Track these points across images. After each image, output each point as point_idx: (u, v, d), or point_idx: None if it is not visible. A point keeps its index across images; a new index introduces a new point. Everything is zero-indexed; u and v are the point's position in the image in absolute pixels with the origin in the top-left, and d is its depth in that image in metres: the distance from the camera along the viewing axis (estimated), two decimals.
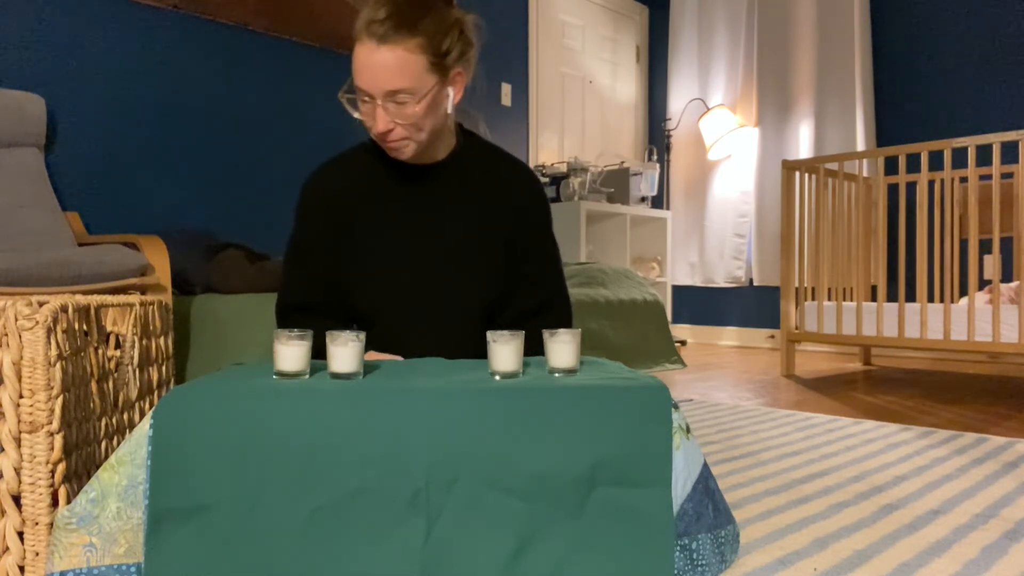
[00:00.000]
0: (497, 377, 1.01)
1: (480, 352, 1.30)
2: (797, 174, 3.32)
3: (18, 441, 0.86)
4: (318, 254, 1.35)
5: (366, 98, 1.20)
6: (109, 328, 1.06)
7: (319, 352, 1.14)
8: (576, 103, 4.87)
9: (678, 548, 0.93)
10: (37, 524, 0.86)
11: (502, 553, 0.88)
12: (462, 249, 1.34)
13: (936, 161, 3.88)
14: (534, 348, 1.28)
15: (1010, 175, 3.62)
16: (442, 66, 1.21)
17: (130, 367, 1.12)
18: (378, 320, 1.34)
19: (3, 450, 0.85)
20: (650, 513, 0.92)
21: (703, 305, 5.00)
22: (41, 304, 0.87)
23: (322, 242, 1.34)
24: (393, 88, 1.17)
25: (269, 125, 3.25)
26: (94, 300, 1.01)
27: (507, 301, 1.38)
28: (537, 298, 1.39)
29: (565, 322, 1.42)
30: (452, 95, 1.26)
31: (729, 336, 4.88)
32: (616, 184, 4.50)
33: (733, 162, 4.81)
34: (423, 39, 1.17)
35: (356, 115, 1.24)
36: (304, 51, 3.39)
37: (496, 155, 1.42)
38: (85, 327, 0.98)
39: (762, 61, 4.67)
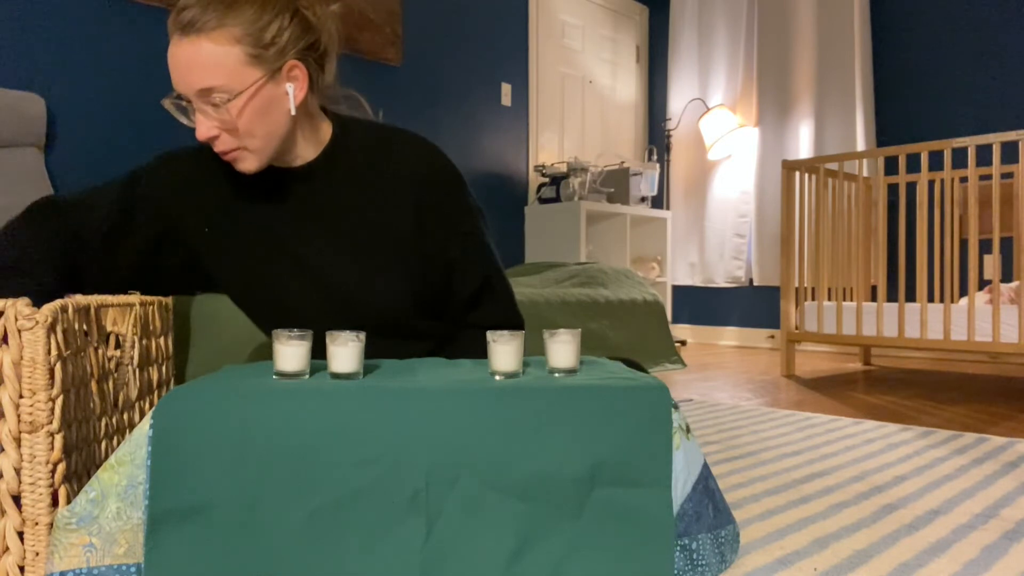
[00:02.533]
0: (497, 377, 1.01)
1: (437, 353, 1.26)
2: (797, 174, 3.32)
3: (18, 441, 0.86)
4: (156, 210, 1.19)
5: (184, 102, 1.05)
6: (109, 328, 1.06)
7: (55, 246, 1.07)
8: (576, 103, 4.87)
9: (678, 548, 0.93)
10: (37, 524, 0.86)
11: (502, 553, 0.88)
12: (359, 253, 1.18)
13: (936, 161, 3.88)
14: (476, 351, 1.21)
15: (1010, 175, 3.62)
16: (266, 58, 1.03)
17: (130, 367, 1.12)
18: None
19: (3, 450, 0.85)
20: (650, 513, 0.92)
21: (703, 305, 5.00)
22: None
23: (157, 213, 1.19)
24: (202, 86, 1.01)
25: None
26: (94, 300, 1.01)
27: (448, 289, 1.25)
28: (469, 285, 1.24)
29: (506, 301, 1.29)
30: (292, 92, 1.07)
31: (729, 336, 4.88)
32: (616, 184, 4.50)
33: (733, 162, 4.81)
34: (237, 28, 1.00)
35: (184, 121, 1.08)
36: None
37: (383, 135, 1.22)
38: (85, 327, 0.98)
39: (762, 61, 4.67)
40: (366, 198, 1.19)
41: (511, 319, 1.30)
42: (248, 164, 1.10)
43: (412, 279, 1.20)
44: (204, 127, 1.05)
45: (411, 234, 1.20)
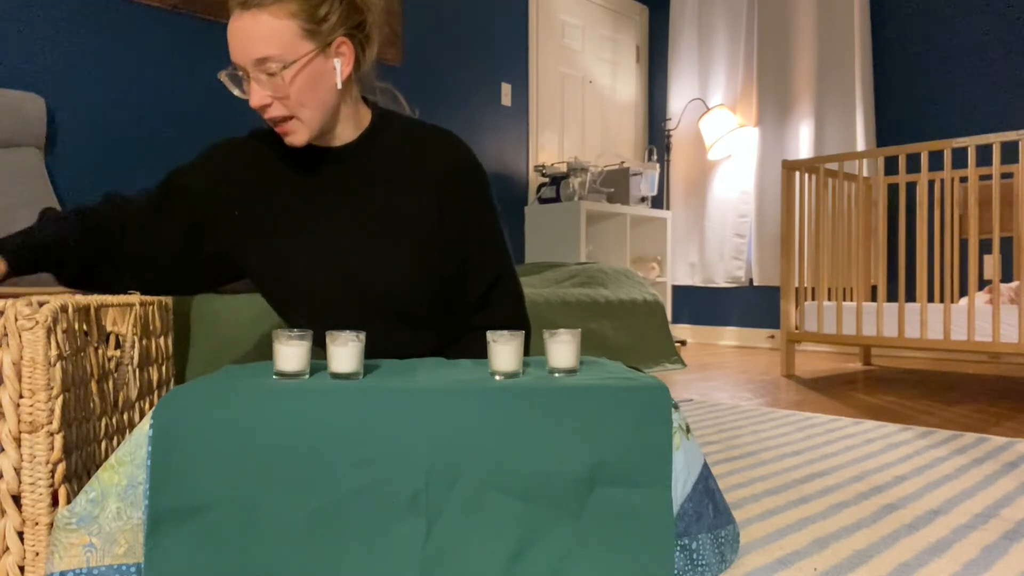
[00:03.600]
0: (497, 377, 1.01)
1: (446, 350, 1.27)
2: (797, 174, 3.32)
3: (18, 441, 0.86)
4: (190, 201, 1.25)
5: (240, 72, 1.13)
6: (109, 328, 1.06)
7: (96, 233, 1.18)
8: (576, 103, 4.87)
9: (678, 548, 0.93)
10: (37, 524, 0.86)
11: (502, 553, 0.88)
12: (382, 237, 1.22)
13: (936, 161, 3.88)
14: (478, 353, 1.24)
15: (1010, 175, 3.62)
16: (319, 33, 1.11)
17: (130, 367, 1.12)
18: (305, 325, 1.24)
19: (3, 450, 0.85)
20: (650, 513, 0.92)
21: (703, 305, 5.00)
22: (41, 304, 0.87)
23: (203, 198, 1.25)
24: (259, 56, 1.08)
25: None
26: (94, 300, 1.01)
27: (461, 284, 1.28)
28: (482, 282, 1.28)
29: (515, 300, 1.32)
30: (339, 67, 1.15)
31: (729, 336, 4.88)
32: (616, 184, 4.50)
33: (733, 162, 4.81)
34: (293, 4, 1.09)
35: (237, 92, 1.16)
36: None
37: (417, 128, 1.29)
38: (85, 327, 0.98)
39: (762, 61, 4.67)
40: (395, 186, 1.24)
41: (518, 323, 1.31)
42: (298, 136, 1.17)
43: (430, 270, 1.23)
44: (258, 95, 1.12)
45: (433, 226, 1.23)
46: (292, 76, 1.11)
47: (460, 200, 1.25)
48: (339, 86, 1.16)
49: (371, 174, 1.24)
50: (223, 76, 1.16)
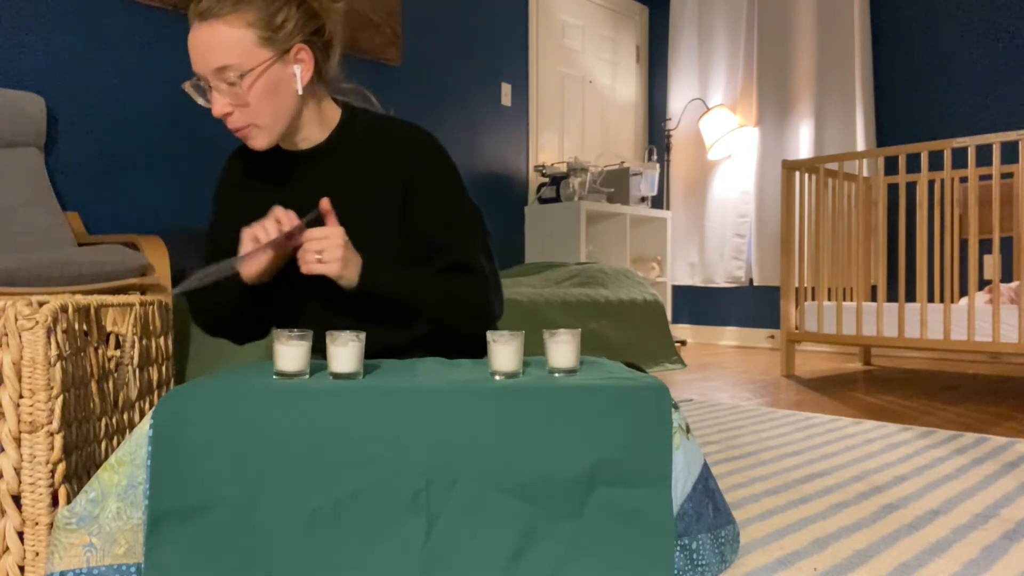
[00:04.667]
0: (497, 377, 1.01)
1: (425, 339, 1.26)
2: (797, 174, 3.32)
3: (18, 441, 0.86)
4: (228, 233, 1.26)
5: (202, 83, 1.15)
6: (109, 328, 1.06)
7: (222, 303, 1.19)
8: (576, 103, 4.87)
9: (678, 548, 0.93)
10: (37, 524, 0.86)
11: (502, 553, 0.88)
12: (354, 236, 1.20)
13: (936, 161, 3.88)
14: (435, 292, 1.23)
15: (1010, 175, 3.62)
16: (276, 40, 1.13)
17: (130, 367, 1.12)
18: (289, 320, 1.28)
19: (3, 450, 0.85)
20: (650, 513, 0.92)
21: (703, 305, 5.00)
22: (41, 304, 0.87)
23: (227, 224, 1.29)
24: (218, 65, 1.10)
25: None
26: (94, 300, 1.01)
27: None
28: (439, 263, 1.25)
29: (474, 291, 1.27)
30: (299, 73, 1.17)
31: (729, 336, 4.88)
32: (616, 184, 4.50)
33: (733, 162, 4.81)
34: (249, 13, 1.11)
35: (201, 102, 1.17)
36: None
37: (384, 123, 1.30)
38: (85, 327, 0.98)
39: (762, 61, 4.67)
40: (364, 182, 1.26)
41: (459, 291, 1.27)
42: (258, 141, 1.19)
43: (398, 262, 1.24)
44: (219, 104, 1.14)
45: (398, 214, 1.25)
46: (250, 84, 1.12)
47: (422, 185, 1.26)
48: (300, 92, 1.17)
49: (340, 173, 1.26)
50: (187, 87, 1.18)
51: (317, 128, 1.26)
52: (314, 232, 1.15)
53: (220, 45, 1.10)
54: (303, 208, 1.22)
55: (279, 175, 1.29)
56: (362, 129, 1.29)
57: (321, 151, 1.27)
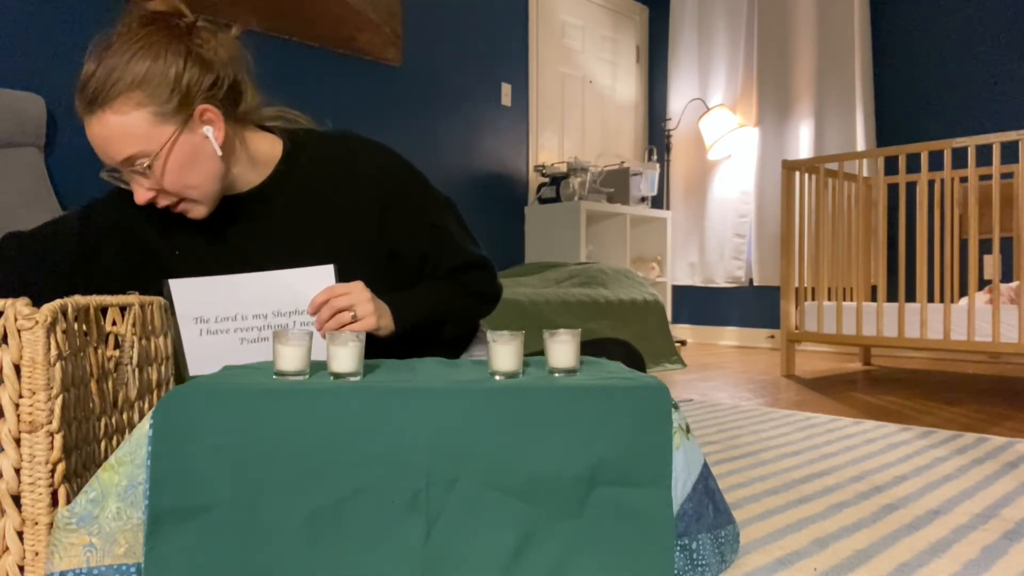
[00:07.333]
0: (497, 377, 1.01)
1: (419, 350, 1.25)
2: (797, 174, 3.32)
3: (18, 441, 0.85)
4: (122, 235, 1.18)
5: (117, 173, 1.07)
6: (109, 328, 1.06)
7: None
8: (576, 103, 4.87)
9: (678, 548, 0.93)
10: (37, 524, 0.86)
11: (502, 553, 0.88)
12: (327, 259, 1.16)
13: (936, 161, 3.88)
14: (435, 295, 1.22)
15: (1010, 175, 3.62)
16: (173, 112, 1.04)
17: (130, 367, 1.12)
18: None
19: (3, 450, 0.85)
20: (650, 513, 0.92)
21: (703, 305, 5.00)
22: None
23: (123, 239, 1.19)
24: (122, 157, 1.03)
25: None
26: (93, 300, 1.01)
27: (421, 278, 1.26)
28: (444, 268, 1.24)
29: (486, 281, 1.28)
30: (212, 134, 1.07)
31: (729, 336, 4.88)
32: (616, 184, 4.50)
33: (733, 162, 4.81)
34: (135, 92, 1.02)
35: (124, 187, 1.10)
36: (303, 51, 3.39)
37: (330, 142, 1.22)
38: (84, 327, 0.98)
39: (762, 61, 4.67)
40: (326, 206, 1.19)
41: (472, 263, 1.28)
42: (197, 212, 1.12)
43: (377, 281, 1.19)
44: (140, 193, 1.07)
45: (375, 236, 1.21)
46: (163, 164, 1.05)
47: (399, 204, 1.21)
48: (219, 152, 1.09)
49: (294, 205, 1.19)
50: (104, 175, 1.10)
51: (253, 171, 1.17)
52: (335, 290, 1.09)
53: (115, 137, 1.02)
54: (263, 245, 1.17)
55: (229, 215, 1.19)
56: (311, 154, 1.21)
57: (266, 188, 1.18)
